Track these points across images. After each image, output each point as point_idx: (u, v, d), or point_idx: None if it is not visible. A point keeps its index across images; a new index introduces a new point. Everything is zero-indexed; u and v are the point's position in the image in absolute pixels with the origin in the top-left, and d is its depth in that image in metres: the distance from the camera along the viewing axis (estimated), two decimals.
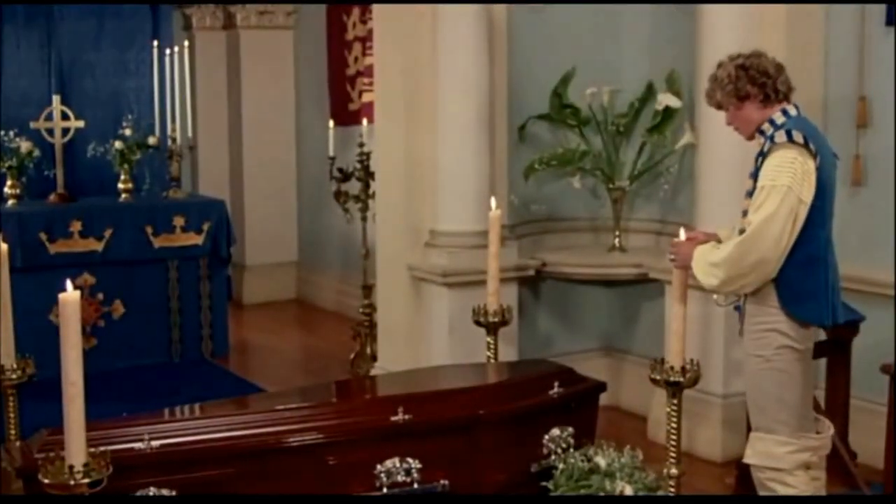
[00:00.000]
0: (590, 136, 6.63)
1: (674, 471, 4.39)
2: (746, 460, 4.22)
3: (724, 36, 5.58)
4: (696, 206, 5.96)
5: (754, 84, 4.08)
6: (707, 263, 4.11)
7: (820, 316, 4.13)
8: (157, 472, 3.81)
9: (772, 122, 4.10)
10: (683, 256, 4.25)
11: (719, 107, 4.22)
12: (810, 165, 3.97)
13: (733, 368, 5.68)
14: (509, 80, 6.49)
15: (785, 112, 4.11)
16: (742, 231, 4.10)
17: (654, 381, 4.36)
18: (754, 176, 4.08)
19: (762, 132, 4.14)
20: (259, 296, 10.25)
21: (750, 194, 4.11)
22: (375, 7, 6.88)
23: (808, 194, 3.96)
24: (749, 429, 4.36)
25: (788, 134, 3.97)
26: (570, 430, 4.52)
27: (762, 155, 4.05)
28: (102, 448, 3.32)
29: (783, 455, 4.09)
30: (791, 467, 4.09)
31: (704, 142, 5.90)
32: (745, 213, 4.14)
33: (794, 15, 5.81)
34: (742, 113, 4.15)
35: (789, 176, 3.93)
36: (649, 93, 6.54)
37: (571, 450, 4.44)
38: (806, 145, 3.97)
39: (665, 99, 6.33)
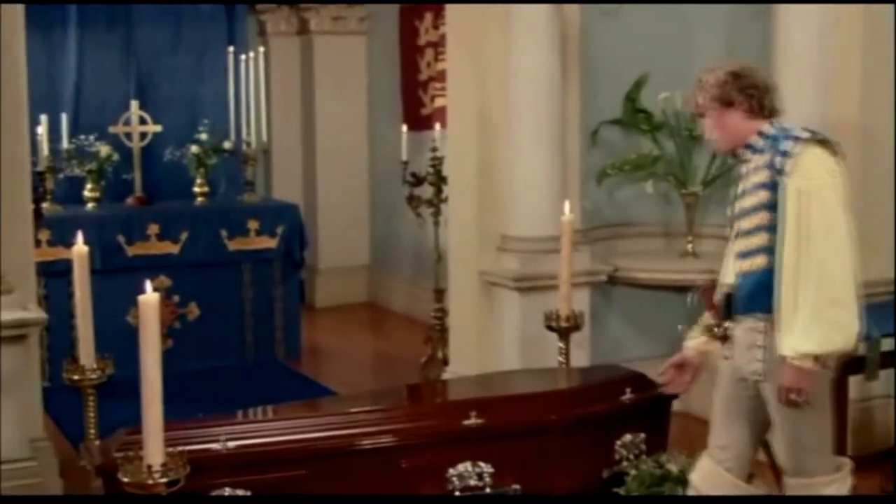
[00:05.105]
0: (662, 141, 6.59)
1: None
2: None
3: (798, 39, 5.55)
4: None
5: (741, 92, 3.81)
6: (805, 337, 3.63)
7: (866, 329, 3.82)
8: (233, 472, 3.85)
9: (761, 133, 3.83)
10: (799, 383, 3.68)
11: (700, 113, 3.93)
12: (839, 164, 3.74)
13: None
14: (582, 84, 6.47)
15: (773, 125, 3.84)
16: (739, 252, 4.01)
17: None
18: (770, 188, 3.75)
19: (750, 145, 3.85)
20: (331, 299, 10.28)
21: (745, 213, 3.91)
22: (448, 12, 6.90)
23: (846, 192, 3.73)
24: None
25: (810, 131, 3.75)
26: (642, 435, 4.50)
27: (784, 154, 3.70)
28: (179, 448, 3.36)
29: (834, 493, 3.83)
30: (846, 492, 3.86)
31: None
32: (738, 234, 4.00)
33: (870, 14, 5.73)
34: (724, 120, 3.85)
35: (827, 173, 3.68)
36: None
37: (643, 456, 4.42)
38: (830, 144, 3.74)
39: None
